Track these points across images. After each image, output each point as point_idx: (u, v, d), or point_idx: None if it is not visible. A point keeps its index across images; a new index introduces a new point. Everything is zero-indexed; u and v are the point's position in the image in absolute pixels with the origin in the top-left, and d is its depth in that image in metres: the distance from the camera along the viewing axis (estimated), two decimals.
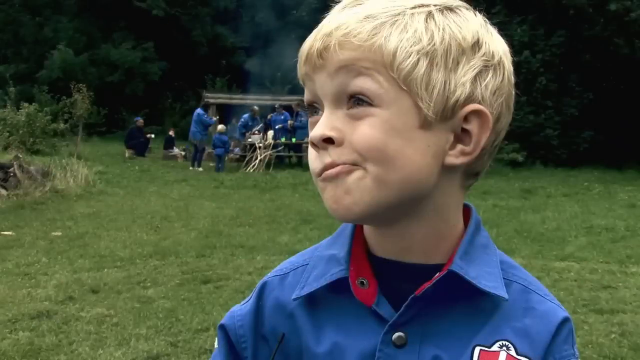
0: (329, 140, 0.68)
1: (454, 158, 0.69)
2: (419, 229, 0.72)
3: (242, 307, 0.82)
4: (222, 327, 0.81)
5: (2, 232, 7.51)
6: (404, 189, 0.68)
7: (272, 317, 0.78)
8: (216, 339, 0.83)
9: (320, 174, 0.69)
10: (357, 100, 0.67)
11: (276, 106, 17.40)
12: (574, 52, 18.18)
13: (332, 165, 0.68)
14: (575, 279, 5.80)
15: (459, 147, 0.69)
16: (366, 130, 0.66)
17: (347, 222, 0.73)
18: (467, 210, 0.78)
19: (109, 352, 3.96)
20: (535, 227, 8.54)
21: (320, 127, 0.68)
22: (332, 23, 0.69)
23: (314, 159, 0.70)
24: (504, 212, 9.79)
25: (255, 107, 17.08)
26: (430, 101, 0.66)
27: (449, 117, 0.68)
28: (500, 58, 0.72)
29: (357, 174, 0.67)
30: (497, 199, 11.20)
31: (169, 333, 4.30)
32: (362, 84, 0.66)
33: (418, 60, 0.66)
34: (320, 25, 0.70)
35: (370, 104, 0.66)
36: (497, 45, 0.72)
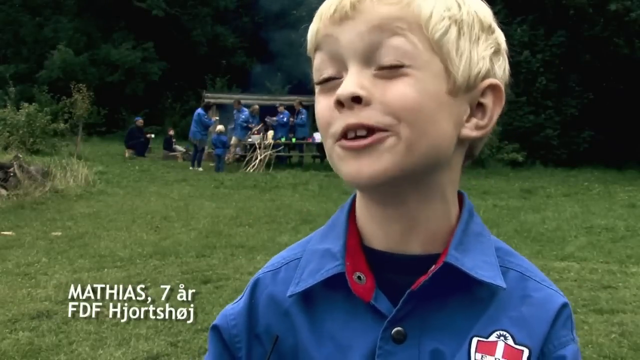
0: (357, 99, 0.65)
1: (469, 130, 0.70)
2: (423, 210, 0.71)
3: (234, 306, 0.80)
4: (215, 328, 0.80)
5: (2, 232, 7.51)
6: (429, 156, 0.67)
7: (266, 314, 0.76)
8: (209, 340, 0.81)
9: (342, 135, 0.67)
10: (388, 67, 0.66)
11: (277, 105, 17.41)
12: (574, 52, 18.18)
13: (359, 126, 0.65)
14: (575, 279, 5.80)
15: (474, 120, 0.70)
16: (403, 89, 0.65)
17: (365, 190, 0.71)
18: (459, 197, 0.77)
19: (109, 352, 3.96)
20: (535, 227, 8.54)
21: (349, 85, 0.66)
22: None
23: (333, 121, 0.68)
24: (504, 212, 9.79)
25: (256, 106, 17.08)
26: (459, 66, 0.67)
27: (471, 88, 0.69)
28: (505, 48, 0.74)
29: (391, 141, 0.65)
30: (497, 199, 11.20)
31: (169, 333, 4.30)
32: (398, 44, 0.66)
33: (450, 25, 0.67)
34: None
35: (404, 65, 0.66)
36: (502, 35, 0.75)
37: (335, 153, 0.69)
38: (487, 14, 0.72)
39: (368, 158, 0.66)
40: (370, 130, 0.66)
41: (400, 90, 0.65)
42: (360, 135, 0.66)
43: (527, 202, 11.05)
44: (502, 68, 0.72)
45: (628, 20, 16.94)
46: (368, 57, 0.66)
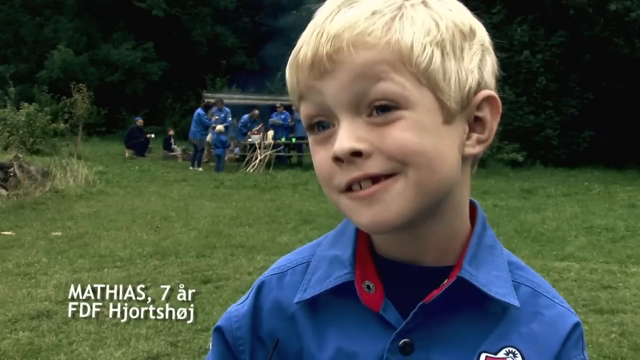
0: (356, 153, 0.64)
1: (472, 148, 0.69)
2: (437, 229, 0.70)
3: (238, 308, 0.79)
4: (219, 329, 0.79)
5: (2, 232, 7.51)
6: (442, 189, 0.66)
7: (271, 319, 0.76)
8: (211, 341, 0.80)
9: (347, 188, 0.66)
10: (380, 107, 0.64)
11: (277, 105, 17.43)
12: (574, 52, 18.18)
13: (365, 177, 0.64)
14: (575, 279, 5.80)
15: (474, 136, 0.69)
16: (400, 135, 0.63)
17: (382, 234, 0.71)
18: (472, 207, 0.76)
19: (109, 352, 3.96)
20: (535, 227, 8.54)
21: (345, 140, 0.64)
22: (337, 23, 0.64)
23: (334, 174, 0.66)
24: (504, 212, 9.79)
25: (256, 111, 17.12)
26: (450, 92, 0.65)
27: (465, 106, 0.67)
28: (489, 42, 0.71)
29: (399, 185, 0.64)
30: (497, 199, 11.20)
31: (169, 333, 4.30)
32: (385, 89, 0.63)
33: (432, 52, 0.64)
34: (317, 28, 0.66)
35: (396, 108, 0.63)
36: (482, 28, 0.71)
37: (342, 204, 0.67)
38: (464, 18, 0.68)
39: (379, 206, 0.64)
40: (376, 179, 0.64)
41: (398, 137, 0.63)
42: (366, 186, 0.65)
43: (527, 202, 11.04)
44: (490, 72, 0.69)
45: (628, 20, 16.94)
46: (357, 106, 0.64)
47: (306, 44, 0.66)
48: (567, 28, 18.12)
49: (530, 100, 17.69)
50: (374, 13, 0.64)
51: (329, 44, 0.63)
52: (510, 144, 16.31)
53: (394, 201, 0.64)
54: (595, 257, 6.81)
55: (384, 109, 0.64)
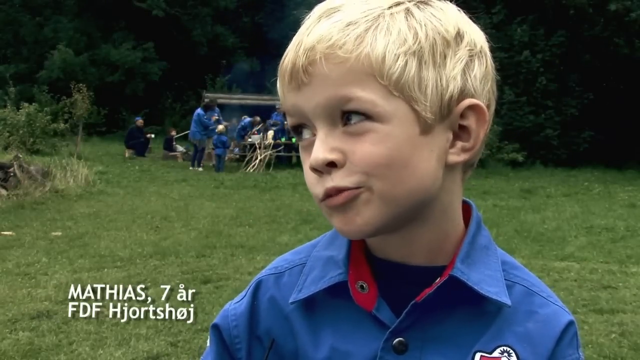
0: (331, 164, 0.65)
1: (456, 156, 0.68)
2: (425, 233, 0.71)
3: (235, 306, 0.80)
4: (216, 327, 0.80)
5: (2, 232, 7.51)
6: (413, 198, 0.66)
7: (267, 318, 0.76)
8: (208, 338, 0.81)
9: (323, 199, 0.67)
10: (352, 118, 0.64)
11: (277, 106, 17.45)
12: (574, 52, 18.19)
13: (334, 190, 0.65)
14: (575, 279, 5.80)
15: (459, 144, 0.68)
16: (369, 149, 0.64)
17: (358, 239, 0.72)
18: (467, 208, 0.76)
19: (109, 352, 3.96)
20: (535, 227, 8.54)
21: (320, 151, 0.65)
22: (313, 35, 0.65)
23: (315, 183, 0.68)
24: (504, 212, 9.79)
25: (257, 118, 17.17)
26: (426, 102, 0.64)
27: (446, 115, 0.66)
28: (482, 45, 0.70)
29: (364, 196, 0.65)
30: (497, 199, 11.20)
31: (169, 333, 4.30)
32: (357, 105, 0.63)
33: (406, 62, 0.63)
34: (298, 39, 0.67)
35: (368, 120, 0.64)
36: (475, 32, 0.70)
37: (323, 211, 0.69)
38: (450, 24, 0.67)
39: (349, 214, 0.66)
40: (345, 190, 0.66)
41: (366, 150, 0.64)
42: None
43: (527, 202, 11.05)
44: (478, 77, 0.68)
45: (628, 20, 16.95)
46: (332, 118, 0.65)
47: (288, 55, 0.67)
48: (567, 28, 18.14)
49: (530, 100, 17.72)
50: (348, 25, 0.64)
51: (305, 56, 0.65)
52: (510, 144, 16.32)
53: (364, 209, 0.65)
54: (595, 257, 6.81)
55: (356, 121, 0.64)
